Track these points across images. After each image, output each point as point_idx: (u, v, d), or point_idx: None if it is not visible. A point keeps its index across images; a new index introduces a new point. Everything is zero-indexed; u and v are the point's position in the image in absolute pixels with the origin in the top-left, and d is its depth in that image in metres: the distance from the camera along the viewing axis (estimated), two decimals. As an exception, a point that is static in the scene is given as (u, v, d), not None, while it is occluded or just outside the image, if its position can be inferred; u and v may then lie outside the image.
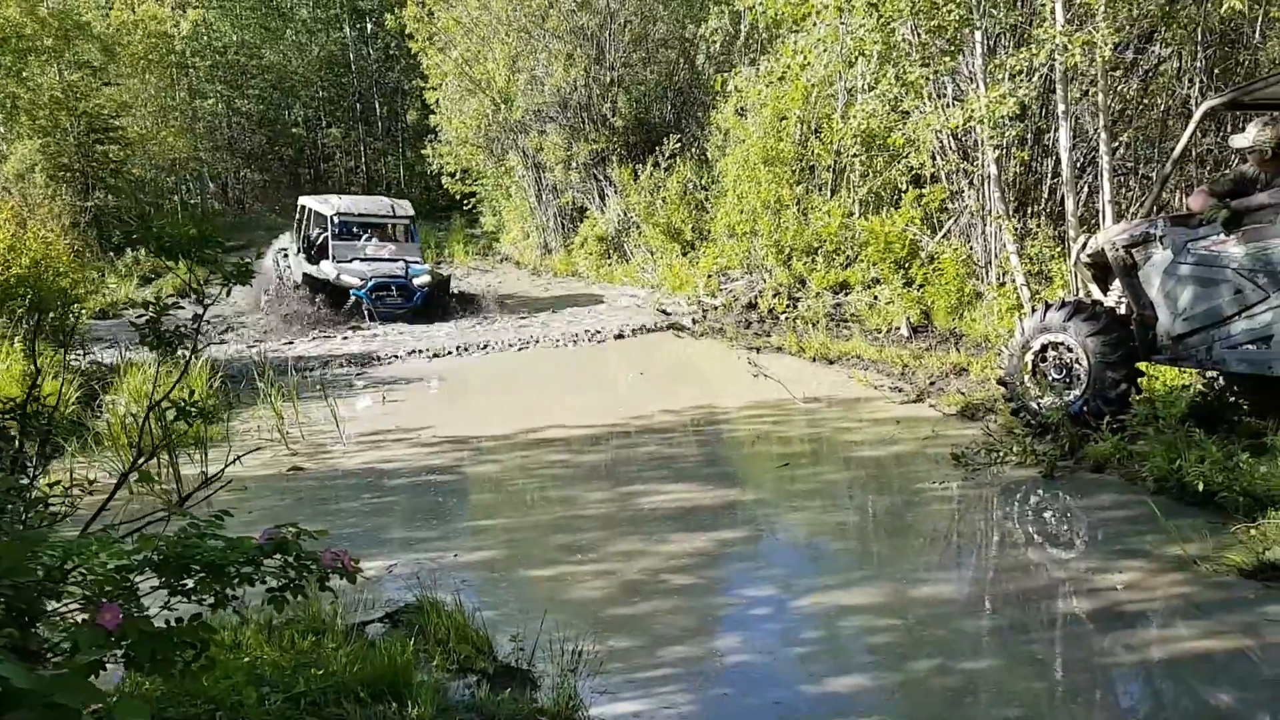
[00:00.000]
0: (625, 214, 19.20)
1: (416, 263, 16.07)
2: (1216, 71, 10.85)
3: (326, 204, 16.93)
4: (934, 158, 11.89)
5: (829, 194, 14.08)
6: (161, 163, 28.58)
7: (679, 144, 18.37)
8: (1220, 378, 7.19)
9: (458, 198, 25.78)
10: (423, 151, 26.07)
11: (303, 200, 17.99)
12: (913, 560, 5.43)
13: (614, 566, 5.27)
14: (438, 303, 15.62)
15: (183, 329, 2.61)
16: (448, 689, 3.64)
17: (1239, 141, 6.65)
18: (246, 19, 35.01)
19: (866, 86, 12.65)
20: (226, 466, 2.67)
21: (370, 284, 14.98)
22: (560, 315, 15.65)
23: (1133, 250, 6.96)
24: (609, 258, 19.84)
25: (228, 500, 2.73)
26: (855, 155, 13.38)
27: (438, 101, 23.81)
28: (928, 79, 10.78)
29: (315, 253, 16.37)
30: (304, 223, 17.54)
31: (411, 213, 17.57)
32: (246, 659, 3.31)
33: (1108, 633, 4.34)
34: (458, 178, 24.91)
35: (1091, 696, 3.87)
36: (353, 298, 15.05)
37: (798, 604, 4.76)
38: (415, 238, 17.55)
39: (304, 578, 2.42)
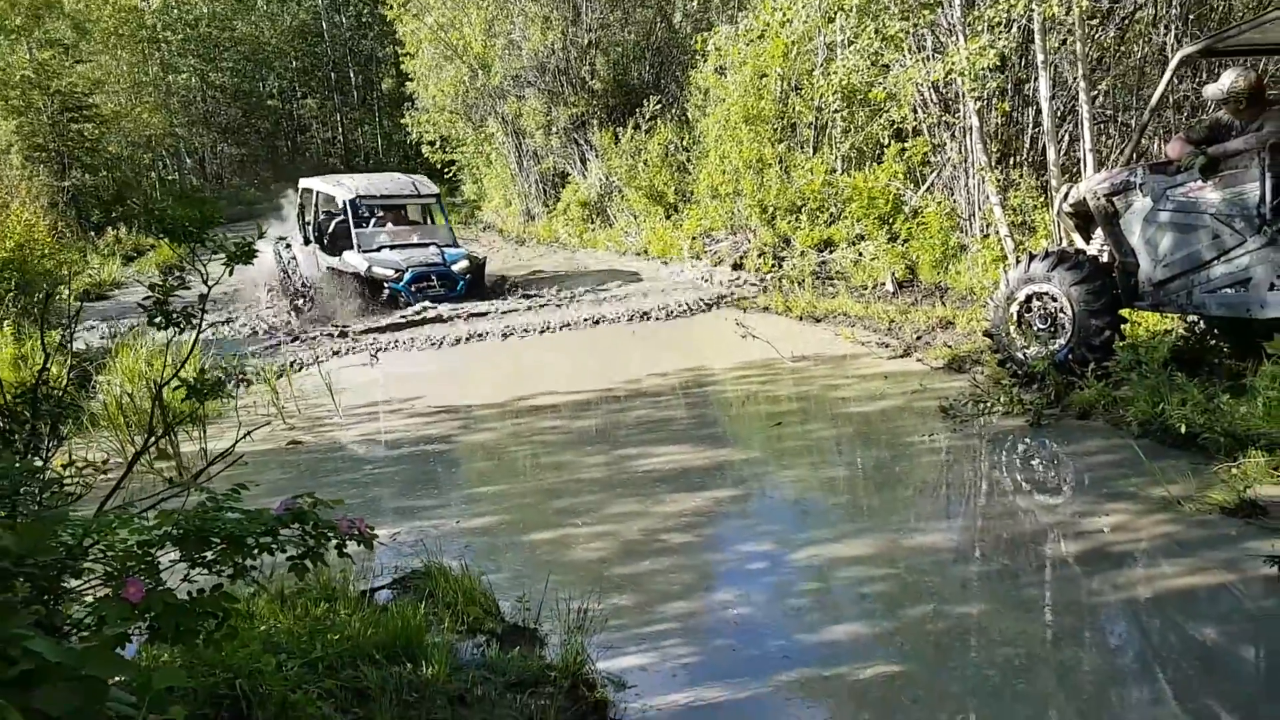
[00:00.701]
0: (607, 178, 19.15)
1: (450, 246, 14.62)
2: (1192, 18, 10.87)
3: (340, 186, 15.09)
4: (915, 111, 11.91)
5: (811, 151, 14.10)
6: (137, 139, 28.34)
7: (659, 105, 18.30)
8: (1201, 322, 7.32)
9: (438, 166, 25.65)
10: (401, 120, 25.91)
11: (306, 182, 16.09)
12: (903, 511, 5.55)
13: (613, 528, 5.38)
14: (476, 289, 14.13)
15: (189, 309, 2.66)
16: (459, 649, 3.74)
17: (1213, 90, 6.71)
18: (217, -10, 34.58)
19: (846, 42, 12.64)
20: (237, 442, 2.74)
21: (409, 275, 13.49)
22: (609, 291, 13.89)
23: (1114, 198, 7.05)
24: (592, 223, 19.82)
25: (230, 476, 2.78)
26: (836, 111, 13.39)
27: (414, 69, 23.61)
28: (907, 32, 10.78)
29: (329, 242, 14.83)
30: (308, 208, 15.85)
31: (436, 190, 16.02)
32: (262, 628, 3.39)
33: (1095, 573, 4.47)
34: (437, 146, 24.77)
35: (1081, 636, 4.01)
36: (387, 291, 13.48)
37: (793, 557, 4.88)
38: (443, 217, 15.90)
39: (322, 545, 2.50)
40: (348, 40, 40.34)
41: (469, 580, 4.26)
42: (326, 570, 3.99)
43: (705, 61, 16.24)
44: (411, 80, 24.05)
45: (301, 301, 13.93)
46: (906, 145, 12.41)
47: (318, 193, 15.55)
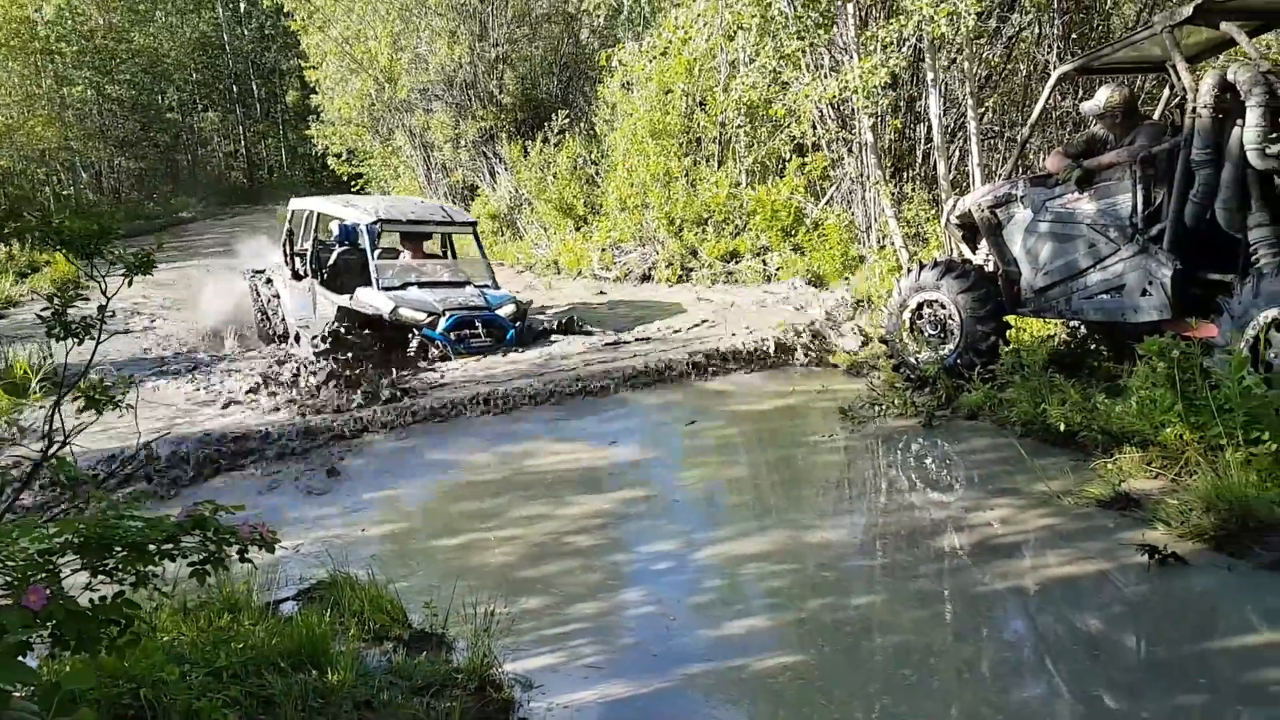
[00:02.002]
0: (517, 191, 19.21)
1: (490, 286, 11.52)
2: (1073, 37, 11.44)
3: (353, 208, 11.90)
4: (814, 127, 12.27)
5: (716, 165, 14.39)
6: (30, 153, 27.34)
7: (567, 119, 18.45)
8: (1080, 327, 7.72)
9: (345, 179, 25.37)
10: (306, 133, 25.55)
11: (298, 203, 12.81)
12: (804, 509, 5.75)
13: (519, 532, 5.46)
14: (524, 339, 10.81)
15: (88, 320, 2.68)
16: (365, 656, 3.78)
17: (1090, 106, 7.11)
18: (113, 1, 33.56)
19: (747, 59, 12.95)
20: (138, 452, 2.76)
21: (449, 319, 10.36)
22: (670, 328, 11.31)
23: (997, 210, 7.41)
24: (502, 235, 19.85)
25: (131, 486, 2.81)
26: (739, 126, 13.70)
27: (319, 81, 23.35)
28: (805, 51, 11.11)
29: (329, 276, 11.62)
30: (301, 234, 12.45)
31: (473, 219, 13.23)
32: (165, 639, 3.39)
33: (984, 564, 4.72)
34: (344, 159, 24.52)
35: (971, 623, 4.23)
36: (415, 339, 10.35)
37: (697, 556, 5.03)
38: (480, 251, 12.47)
39: (224, 551, 2.54)
40: (250, 53, 39.59)
41: (375, 589, 4.30)
42: (229, 582, 4.01)
43: (612, 77, 16.45)
44: (316, 93, 23.76)
45: (287, 346, 11.61)
46: (806, 160, 12.78)
47: (316, 215, 12.38)
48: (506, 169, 19.56)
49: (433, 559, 5.29)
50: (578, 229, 17.31)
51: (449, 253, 12.88)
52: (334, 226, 12.29)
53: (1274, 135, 5.65)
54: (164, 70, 36.94)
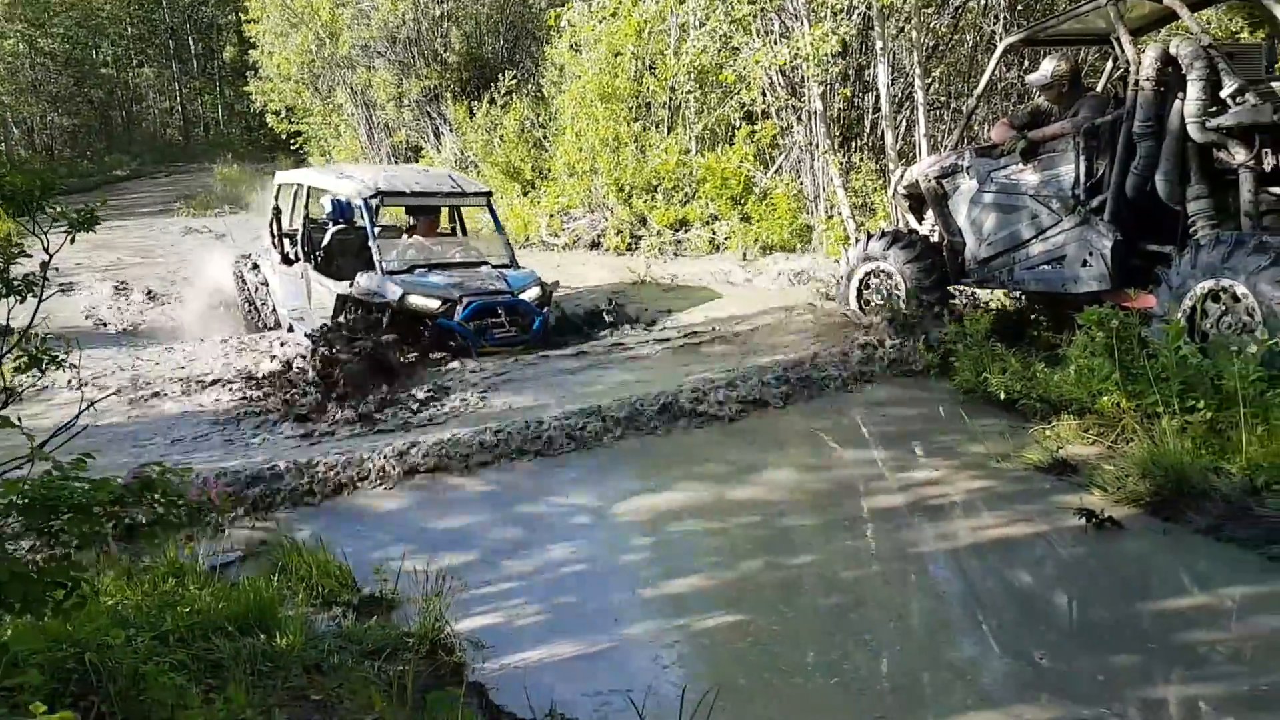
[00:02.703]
0: (462, 153, 18.97)
1: (509, 266, 9.81)
2: (1019, 8, 11.57)
3: (348, 180, 10.19)
4: (764, 94, 12.27)
5: (666, 131, 14.33)
6: (-43, 109, 26.41)
7: (515, 80, 18.23)
8: (1022, 297, 7.87)
9: (285, 136, 24.86)
10: (245, 89, 24.96)
11: (285, 176, 11.51)
12: (735, 465, 5.76)
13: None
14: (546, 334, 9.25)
15: (31, 277, 2.60)
16: (314, 621, 3.76)
17: (1036, 77, 7.22)
18: (46, -49, 32.41)
19: (698, 23, 12.89)
20: (81, 413, 2.70)
21: (469, 306, 8.78)
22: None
23: (943, 181, 7.50)
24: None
25: (74, 448, 2.74)
26: (690, 92, 13.65)
27: (257, 36, 22.80)
28: (756, 15, 11.09)
29: (325, 259, 10.14)
30: (288, 211, 10.96)
31: (486, 189, 11.24)
32: (110, 603, 3.35)
33: (921, 525, 4.84)
34: (283, 116, 24.01)
35: (906, 579, 4.34)
36: (426, 332, 8.84)
37: (623, 509, 5.13)
38: (496, 225, 10.71)
39: (173, 513, 2.51)
40: (187, 6, 38.50)
41: (324, 554, 4.27)
42: (174, 546, 3.96)
43: (560, 38, 16.27)
44: (255, 48, 23.19)
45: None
46: (756, 128, 12.77)
47: (306, 190, 10.80)
48: (452, 130, 19.30)
49: (384, 524, 5.25)
50: (525, 194, 17.16)
51: (460, 229, 11.01)
52: (325, 202, 10.72)
53: (1214, 109, 5.78)
54: (99, 24, 35.84)
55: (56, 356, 2.64)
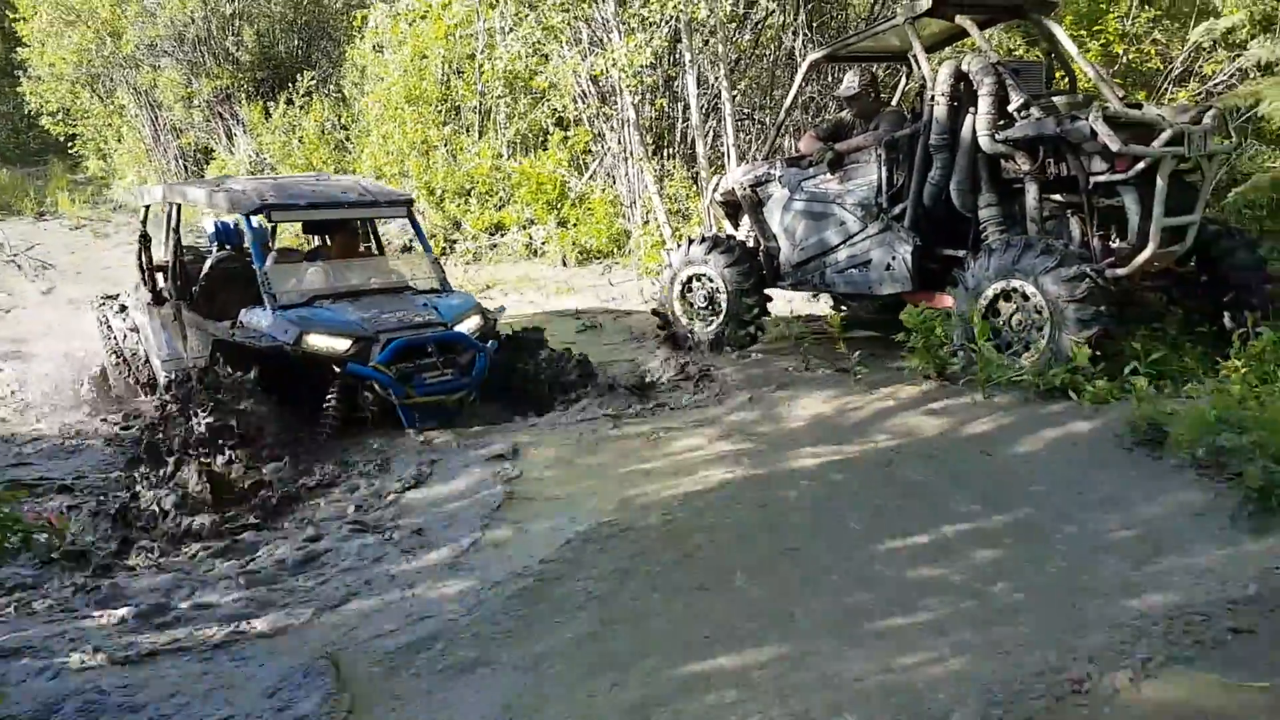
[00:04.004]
0: (258, 155, 18.18)
1: (441, 292, 7.70)
2: (815, 25, 12.19)
3: (224, 194, 7.74)
4: (576, 101, 12.39)
5: (477, 135, 14.23)
6: None
7: (314, 81, 17.64)
8: (833, 299, 8.32)
9: (61, 139, 23.08)
10: (15, 90, 22.98)
11: (154, 194, 8.93)
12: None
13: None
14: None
15: None
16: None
17: (843, 90, 7.68)
18: None
19: (508, 28, 12.88)
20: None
21: (390, 347, 6.64)
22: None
23: (756, 189, 7.84)
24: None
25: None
26: (500, 97, 13.61)
27: (29, 34, 21.06)
28: (567, 24, 11.20)
29: (211, 297, 7.93)
30: (164, 239, 8.28)
31: (407, 196, 8.54)
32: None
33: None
34: (59, 118, 22.29)
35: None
36: (336, 386, 6.66)
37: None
38: (421, 243, 8.28)
39: (7, 539, 2.34)
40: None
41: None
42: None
43: (361, 39, 15.87)
44: (25, 46, 21.40)
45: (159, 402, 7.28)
46: (569, 134, 12.89)
47: (177, 210, 8.31)
48: (245, 131, 18.47)
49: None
50: (329, 198, 16.62)
51: (376, 247, 8.82)
52: (205, 224, 8.78)
53: (1002, 122, 6.31)
54: None
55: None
